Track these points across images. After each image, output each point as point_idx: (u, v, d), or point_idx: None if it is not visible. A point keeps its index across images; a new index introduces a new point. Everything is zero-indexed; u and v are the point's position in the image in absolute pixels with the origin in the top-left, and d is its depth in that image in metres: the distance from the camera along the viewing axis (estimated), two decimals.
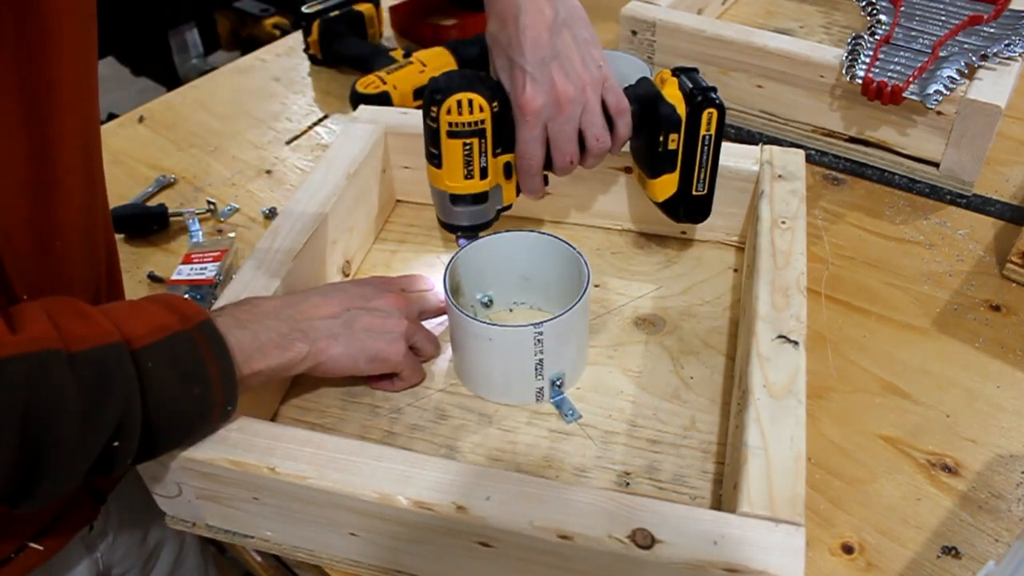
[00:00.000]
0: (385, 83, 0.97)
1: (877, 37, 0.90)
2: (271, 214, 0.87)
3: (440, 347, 0.69)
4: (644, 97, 0.68)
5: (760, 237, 0.68)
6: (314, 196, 0.72)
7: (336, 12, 1.10)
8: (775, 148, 0.76)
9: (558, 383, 0.64)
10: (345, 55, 1.10)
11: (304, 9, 1.10)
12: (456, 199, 0.68)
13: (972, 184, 0.86)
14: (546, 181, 0.70)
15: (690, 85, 0.67)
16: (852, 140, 0.91)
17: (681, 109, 0.67)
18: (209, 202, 0.87)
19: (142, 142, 0.99)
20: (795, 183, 0.73)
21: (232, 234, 0.84)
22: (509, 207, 0.71)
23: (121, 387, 0.46)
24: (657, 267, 0.77)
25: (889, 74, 0.85)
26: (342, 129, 0.81)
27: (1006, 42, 0.88)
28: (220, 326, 0.52)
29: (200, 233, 0.84)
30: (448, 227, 0.71)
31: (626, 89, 0.69)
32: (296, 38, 1.18)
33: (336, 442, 0.53)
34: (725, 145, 0.76)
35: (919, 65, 0.85)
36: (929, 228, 0.83)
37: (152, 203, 0.89)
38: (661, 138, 0.68)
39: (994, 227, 0.83)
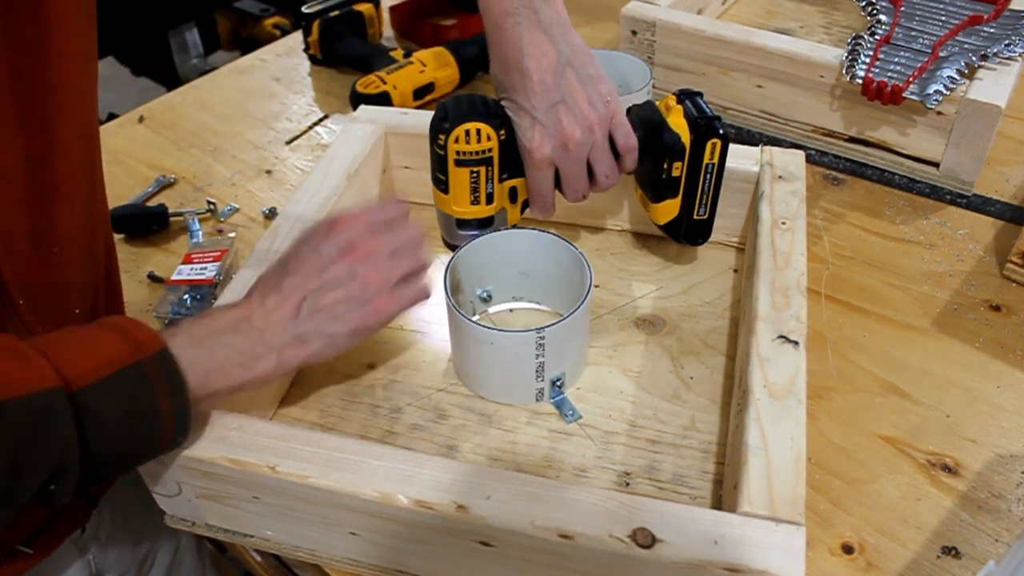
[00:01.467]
0: (385, 83, 0.98)
1: (877, 37, 0.90)
2: (271, 214, 0.87)
3: (429, 286, 0.61)
4: (649, 123, 0.69)
5: (760, 238, 0.68)
6: (314, 196, 0.72)
7: (336, 12, 1.10)
8: (775, 149, 0.76)
9: (558, 383, 0.64)
10: (345, 55, 1.10)
11: (304, 9, 1.09)
12: (462, 223, 0.70)
13: (972, 184, 0.86)
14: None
15: (695, 113, 0.67)
16: (852, 140, 0.91)
17: (686, 138, 0.67)
18: (209, 202, 0.87)
19: (142, 142, 0.99)
20: (795, 184, 0.73)
21: (232, 234, 0.84)
22: (514, 227, 0.73)
23: (57, 436, 0.43)
24: (657, 267, 0.77)
25: (889, 74, 0.85)
26: (342, 129, 0.81)
27: (1006, 42, 0.88)
28: (173, 347, 0.49)
29: (200, 233, 0.84)
30: (453, 248, 0.72)
31: (631, 113, 0.70)
32: (296, 38, 1.18)
33: (336, 441, 0.53)
34: None
35: (919, 65, 0.85)
36: (929, 228, 0.83)
37: (152, 203, 0.89)
38: (665, 165, 0.68)
39: (994, 227, 0.83)
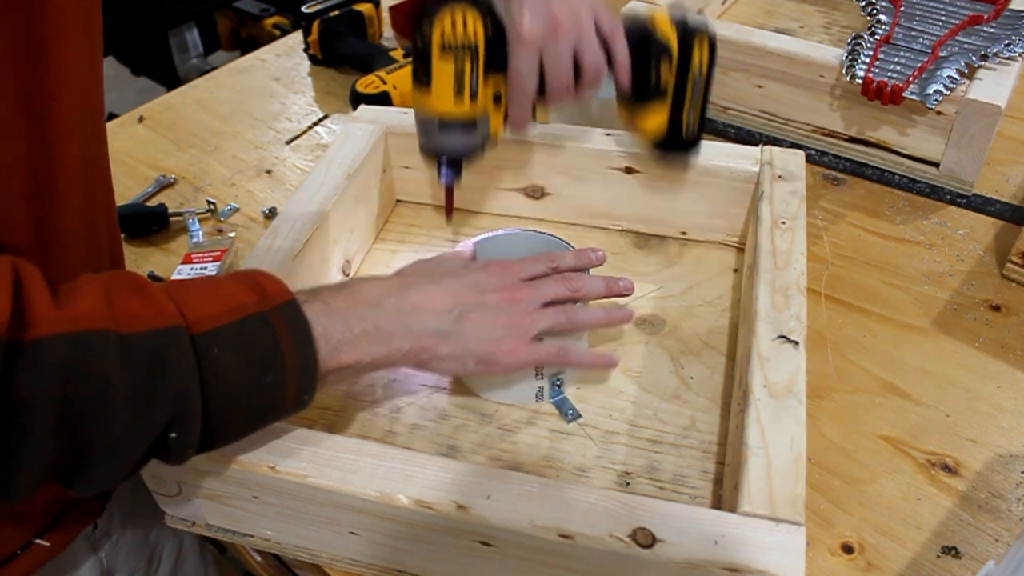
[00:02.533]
0: (385, 83, 0.98)
1: (877, 37, 0.90)
2: (271, 214, 0.87)
3: (567, 353, 0.62)
4: (636, 30, 0.67)
5: (760, 238, 0.68)
6: (314, 196, 0.72)
7: (336, 12, 1.10)
8: (775, 149, 0.76)
9: (558, 383, 0.64)
10: (345, 55, 1.10)
11: (304, 9, 1.10)
12: (444, 125, 0.66)
13: (972, 184, 0.86)
14: (534, 114, 0.68)
15: (682, 16, 0.67)
16: (852, 140, 0.91)
17: (673, 40, 0.66)
18: (209, 202, 0.88)
19: (142, 142, 0.99)
20: (795, 183, 0.73)
21: (232, 234, 0.84)
22: (496, 142, 0.69)
23: (176, 376, 0.42)
24: (657, 267, 0.77)
25: (889, 74, 0.85)
26: (342, 129, 0.81)
27: (1006, 42, 0.88)
28: (307, 311, 0.49)
29: (200, 233, 0.84)
30: (431, 151, 0.68)
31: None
32: (296, 38, 1.18)
33: (336, 441, 0.54)
34: (725, 146, 0.76)
35: (919, 65, 0.85)
36: (929, 228, 0.83)
37: (152, 203, 0.89)
38: (652, 65, 0.67)
39: (994, 227, 0.83)
